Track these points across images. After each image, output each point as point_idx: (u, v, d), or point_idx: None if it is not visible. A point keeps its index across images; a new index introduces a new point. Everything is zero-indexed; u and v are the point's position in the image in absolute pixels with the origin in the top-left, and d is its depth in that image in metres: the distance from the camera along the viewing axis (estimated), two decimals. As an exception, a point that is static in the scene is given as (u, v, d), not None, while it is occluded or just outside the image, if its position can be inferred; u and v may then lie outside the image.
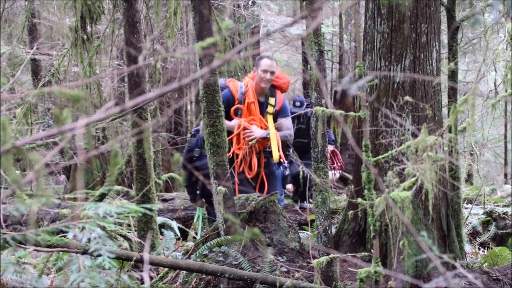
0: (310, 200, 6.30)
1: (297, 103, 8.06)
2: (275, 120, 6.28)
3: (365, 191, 3.49)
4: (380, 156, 3.65)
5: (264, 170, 6.28)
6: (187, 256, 4.81)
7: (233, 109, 6.18)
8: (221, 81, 6.44)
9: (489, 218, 6.90)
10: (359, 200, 3.47)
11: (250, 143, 5.99)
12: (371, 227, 3.47)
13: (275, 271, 4.43)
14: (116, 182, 7.76)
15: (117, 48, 9.84)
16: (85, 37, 5.88)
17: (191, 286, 4.53)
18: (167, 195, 8.17)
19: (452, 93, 5.34)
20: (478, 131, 9.68)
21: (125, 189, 8.34)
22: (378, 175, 4.79)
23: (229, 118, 6.16)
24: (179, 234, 7.01)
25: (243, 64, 9.82)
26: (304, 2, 4.56)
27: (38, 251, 3.78)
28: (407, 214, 3.15)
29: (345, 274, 4.93)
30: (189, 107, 13.57)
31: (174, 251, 5.58)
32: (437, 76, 5.01)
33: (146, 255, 3.90)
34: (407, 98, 4.11)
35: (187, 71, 11.06)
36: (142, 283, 4.40)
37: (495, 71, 7.67)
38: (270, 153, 6.30)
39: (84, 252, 3.27)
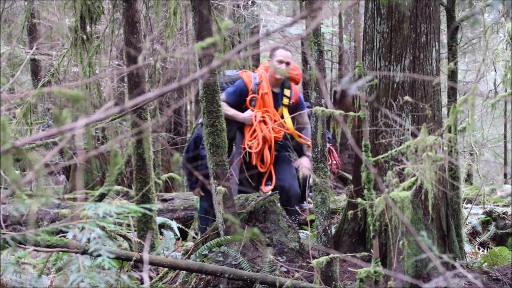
0: (310, 200, 6.26)
1: None
2: (290, 113, 6.16)
3: (365, 191, 3.49)
4: (380, 156, 3.65)
5: (274, 165, 6.16)
6: (186, 256, 4.81)
7: (248, 99, 6.05)
8: (232, 72, 6.39)
9: (488, 218, 6.90)
10: (359, 200, 3.48)
11: (250, 143, 5.95)
12: (371, 227, 3.47)
13: (275, 271, 4.43)
14: (115, 182, 7.76)
15: (116, 48, 9.84)
16: (84, 37, 5.88)
17: (190, 286, 4.53)
18: (166, 195, 8.16)
19: (452, 93, 5.34)
20: (478, 131, 9.68)
21: (125, 189, 8.34)
22: (377, 175, 4.79)
23: (241, 109, 6.07)
24: (178, 234, 7.01)
25: (242, 64, 9.82)
26: (304, 2, 4.56)
27: (37, 251, 3.78)
28: (407, 214, 3.16)
29: (345, 274, 4.92)
30: (188, 107, 13.57)
31: (173, 251, 5.58)
32: (436, 76, 5.01)
33: (145, 255, 3.90)
34: (407, 98, 4.11)
35: (186, 71, 11.05)
36: (142, 283, 4.40)
37: (495, 71, 7.67)
38: (282, 146, 6.18)
39: (84, 252, 3.27)
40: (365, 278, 3.54)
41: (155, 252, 5.28)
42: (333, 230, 5.18)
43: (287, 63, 6.08)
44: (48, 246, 3.75)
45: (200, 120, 7.05)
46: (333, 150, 7.68)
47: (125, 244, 5.30)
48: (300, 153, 6.51)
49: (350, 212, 3.85)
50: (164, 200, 7.93)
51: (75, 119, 1.63)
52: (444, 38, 7.36)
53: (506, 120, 11.73)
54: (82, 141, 1.73)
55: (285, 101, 6.18)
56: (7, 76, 8.84)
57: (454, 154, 4.86)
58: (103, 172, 10.39)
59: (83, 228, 2.38)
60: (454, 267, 4.24)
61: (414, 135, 4.45)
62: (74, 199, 8.23)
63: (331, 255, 4.11)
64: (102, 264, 2.54)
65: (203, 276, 4.45)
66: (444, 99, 6.34)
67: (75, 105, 1.64)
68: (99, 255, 2.51)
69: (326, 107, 4.07)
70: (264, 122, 6.05)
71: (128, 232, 5.51)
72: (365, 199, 3.46)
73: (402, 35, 4.85)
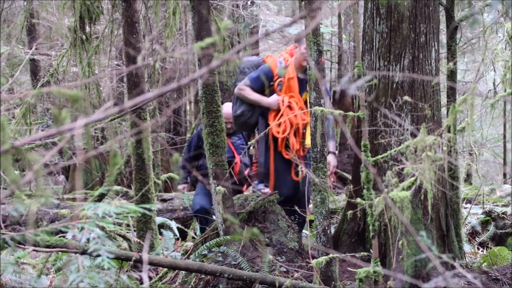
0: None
1: None
2: None
3: (364, 191, 3.49)
4: (379, 156, 3.65)
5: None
6: (186, 256, 4.81)
7: (277, 82, 5.83)
8: (254, 58, 6.26)
9: (488, 218, 6.91)
10: (358, 200, 3.48)
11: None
12: (370, 227, 3.48)
13: (274, 271, 4.43)
14: (115, 182, 7.76)
15: (116, 48, 9.84)
16: (84, 37, 5.88)
17: (190, 286, 4.53)
18: (166, 195, 8.17)
19: (451, 93, 5.34)
20: (477, 131, 9.68)
21: (124, 189, 8.35)
22: (377, 175, 4.79)
23: (264, 95, 5.86)
24: (178, 234, 7.02)
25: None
26: (303, 2, 4.56)
27: (37, 251, 3.78)
28: (406, 214, 3.16)
29: (344, 274, 4.92)
30: (188, 107, 13.58)
31: (173, 251, 5.58)
32: (436, 76, 5.01)
33: (145, 255, 3.90)
34: (406, 98, 4.11)
35: (186, 71, 11.06)
36: (141, 283, 4.40)
37: (494, 71, 7.68)
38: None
39: (83, 252, 3.27)
40: (365, 278, 3.54)
41: (155, 252, 5.28)
42: (333, 230, 5.19)
43: None
44: (47, 246, 3.75)
45: None
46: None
47: (125, 244, 5.30)
48: None
49: (350, 212, 3.85)
50: (164, 200, 7.93)
51: (74, 119, 1.63)
52: (443, 38, 7.37)
53: (505, 120, 11.73)
54: (81, 141, 1.73)
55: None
56: (6, 76, 8.84)
57: (454, 154, 4.87)
58: (103, 172, 10.39)
59: (82, 228, 2.38)
60: (453, 267, 4.24)
61: (414, 135, 4.45)
62: (74, 199, 8.23)
63: (331, 255, 4.11)
64: (101, 264, 2.54)
65: (203, 276, 4.45)
66: (444, 99, 6.35)
67: (74, 105, 1.64)
68: (98, 255, 2.51)
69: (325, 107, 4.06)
70: (290, 107, 5.79)
71: (127, 232, 5.52)
72: (364, 199, 3.46)
73: (401, 35, 4.85)
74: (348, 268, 4.82)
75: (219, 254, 4.55)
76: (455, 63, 5.41)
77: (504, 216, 6.90)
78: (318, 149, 4.35)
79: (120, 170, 6.99)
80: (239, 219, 4.79)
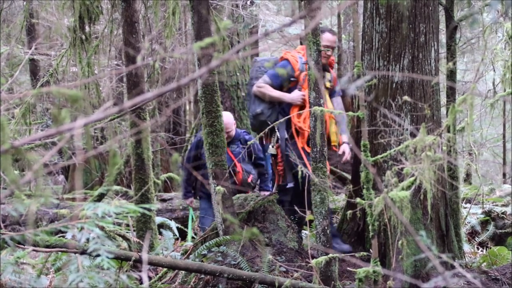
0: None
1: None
2: (329, 96, 5.82)
3: (364, 191, 3.49)
4: (379, 156, 3.65)
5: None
6: (186, 256, 4.81)
7: (302, 76, 5.67)
8: (269, 57, 6.14)
9: (487, 217, 6.91)
10: (358, 200, 3.48)
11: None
12: (370, 227, 3.48)
13: (274, 271, 4.43)
14: (114, 182, 7.76)
15: (115, 48, 9.83)
16: (83, 37, 5.87)
17: (190, 286, 4.53)
18: (165, 195, 8.17)
19: (451, 93, 5.34)
20: (477, 131, 9.68)
21: (124, 189, 8.35)
22: (376, 175, 4.79)
23: (283, 91, 5.74)
24: (177, 234, 7.02)
25: (241, 64, 9.83)
26: (303, 2, 4.56)
27: (36, 251, 3.78)
28: (406, 213, 3.16)
29: (344, 274, 4.92)
30: (187, 107, 13.57)
31: (173, 251, 5.58)
32: (435, 75, 5.01)
33: (144, 255, 3.90)
34: (406, 97, 4.11)
35: (185, 71, 11.05)
36: (141, 283, 4.40)
37: (494, 70, 7.68)
38: None
39: (83, 252, 3.27)
40: (364, 278, 3.54)
41: (154, 252, 5.28)
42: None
43: (333, 48, 5.81)
44: (47, 246, 3.75)
45: None
46: None
47: (124, 244, 5.30)
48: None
49: (349, 212, 3.85)
50: (163, 200, 7.93)
51: (74, 119, 1.63)
52: (443, 37, 7.37)
53: (505, 120, 11.73)
54: (81, 141, 1.73)
55: (327, 83, 5.81)
56: (6, 76, 8.84)
57: (453, 154, 4.87)
58: (102, 172, 10.39)
59: (82, 228, 2.38)
60: (453, 267, 4.24)
61: (413, 135, 4.45)
62: (73, 199, 8.23)
63: (330, 255, 4.11)
64: (101, 264, 2.54)
65: (202, 276, 4.45)
66: (443, 98, 6.35)
67: (74, 105, 1.64)
68: (98, 255, 2.51)
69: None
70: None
71: (127, 232, 5.52)
72: (364, 199, 3.46)
73: (401, 35, 4.86)
74: (348, 268, 4.82)
75: (219, 254, 4.55)
76: (454, 63, 5.41)
77: (504, 216, 6.90)
78: (318, 149, 4.35)
79: (119, 170, 6.99)
80: (238, 219, 4.79)
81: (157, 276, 4.77)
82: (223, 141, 4.69)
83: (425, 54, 4.89)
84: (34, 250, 3.62)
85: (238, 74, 10.01)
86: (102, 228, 2.78)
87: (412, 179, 3.21)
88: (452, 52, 5.33)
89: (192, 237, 6.78)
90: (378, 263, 3.52)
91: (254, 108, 5.79)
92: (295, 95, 5.71)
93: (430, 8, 4.89)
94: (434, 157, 3.00)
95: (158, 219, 6.55)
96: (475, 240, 6.71)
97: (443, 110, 6.11)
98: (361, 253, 4.18)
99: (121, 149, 7.59)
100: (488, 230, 6.78)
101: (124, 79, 7.07)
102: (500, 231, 6.77)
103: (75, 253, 3.39)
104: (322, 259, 4.06)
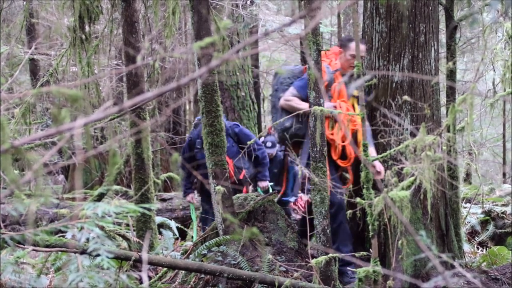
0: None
1: (268, 144, 7.58)
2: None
3: (364, 191, 3.49)
4: (379, 156, 3.65)
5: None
6: (185, 255, 4.81)
7: (333, 87, 5.39)
8: (293, 66, 5.91)
9: (487, 217, 6.91)
10: (358, 199, 3.48)
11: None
12: (370, 227, 3.48)
13: (274, 270, 4.43)
14: (114, 181, 7.76)
15: (115, 47, 9.84)
16: (83, 36, 5.87)
17: (189, 285, 4.53)
18: (165, 195, 8.17)
19: (451, 93, 5.34)
20: (477, 131, 9.68)
21: (124, 188, 8.35)
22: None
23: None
24: (177, 233, 7.02)
25: (241, 63, 9.82)
26: (303, 2, 4.56)
27: (36, 251, 3.78)
28: (406, 213, 3.16)
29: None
30: (187, 107, 13.57)
31: (172, 250, 5.58)
32: (435, 75, 5.01)
33: (144, 255, 3.90)
34: (406, 97, 4.11)
35: (185, 70, 11.05)
36: (141, 282, 4.40)
37: (494, 70, 7.68)
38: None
39: (83, 252, 3.27)
40: (364, 277, 3.54)
41: (154, 252, 5.28)
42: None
43: (362, 57, 5.55)
44: (47, 246, 3.75)
45: (194, 122, 6.96)
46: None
47: (124, 244, 5.30)
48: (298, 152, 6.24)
49: (349, 212, 3.85)
50: (163, 200, 7.94)
51: (74, 119, 1.63)
52: (443, 37, 7.37)
53: (504, 120, 11.73)
54: (81, 140, 1.73)
55: (355, 92, 5.32)
56: (6, 75, 8.84)
57: (453, 154, 4.86)
58: (102, 172, 10.39)
59: (82, 228, 2.38)
60: (453, 267, 4.24)
61: (413, 135, 4.45)
62: (73, 199, 8.24)
63: (330, 255, 4.11)
64: (101, 264, 2.54)
65: (202, 275, 4.45)
66: (443, 98, 6.35)
67: (73, 104, 1.64)
68: (98, 255, 2.50)
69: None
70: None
71: (127, 232, 5.52)
72: (364, 199, 3.46)
73: (400, 35, 4.85)
74: (348, 268, 4.83)
75: (219, 254, 4.55)
76: (454, 63, 5.41)
77: (504, 215, 6.90)
78: (318, 149, 4.35)
79: (119, 169, 6.99)
80: (238, 218, 4.79)
81: (157, 275, 4.77)
82: (223, 141, 4.69)
83: (425, 54, 4.89)
84: (34, 250, 3.62)
85: (238, 73, 10.01)
86: (102, 228, 2.78)
87: (412, 178, 3.21)
88: (452, 51, 5.33)
89: (192, 237, 6.79)
90: (378, 262, 3.52)
91: (283, 122, 5.50)
92: (325, 107, 5.44)
93: (430, 8, 4.89)
94: (434, 156, 3.00)
95: (158, 219, 6.55)
96: (475, 240, 6.71)
97: (443, 110, 6.11)
98: (361, 252, 4.18)
99: (121, 149, 7.59)
100: (488, 229, 6.78)
101: (124, 79, 7.07)
102: (500, 230, 6.77)
103: (75, 252, 3.39)
104: (322, 258, 4.06)
